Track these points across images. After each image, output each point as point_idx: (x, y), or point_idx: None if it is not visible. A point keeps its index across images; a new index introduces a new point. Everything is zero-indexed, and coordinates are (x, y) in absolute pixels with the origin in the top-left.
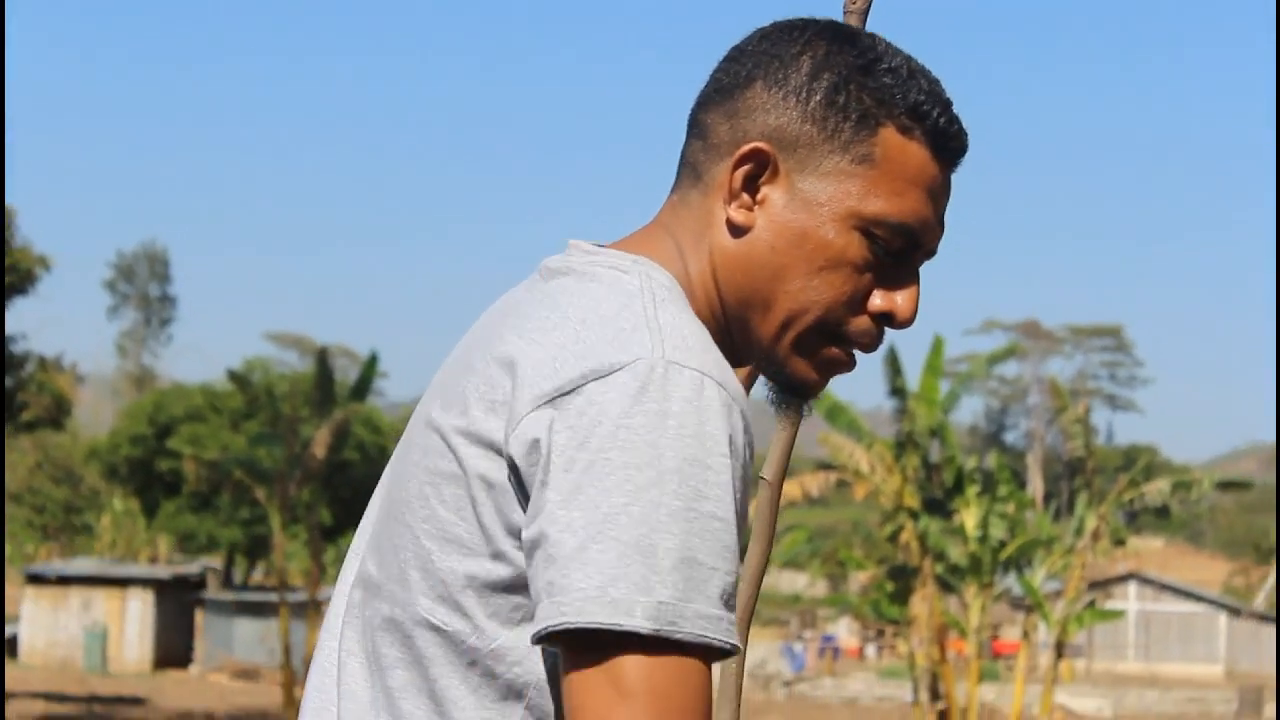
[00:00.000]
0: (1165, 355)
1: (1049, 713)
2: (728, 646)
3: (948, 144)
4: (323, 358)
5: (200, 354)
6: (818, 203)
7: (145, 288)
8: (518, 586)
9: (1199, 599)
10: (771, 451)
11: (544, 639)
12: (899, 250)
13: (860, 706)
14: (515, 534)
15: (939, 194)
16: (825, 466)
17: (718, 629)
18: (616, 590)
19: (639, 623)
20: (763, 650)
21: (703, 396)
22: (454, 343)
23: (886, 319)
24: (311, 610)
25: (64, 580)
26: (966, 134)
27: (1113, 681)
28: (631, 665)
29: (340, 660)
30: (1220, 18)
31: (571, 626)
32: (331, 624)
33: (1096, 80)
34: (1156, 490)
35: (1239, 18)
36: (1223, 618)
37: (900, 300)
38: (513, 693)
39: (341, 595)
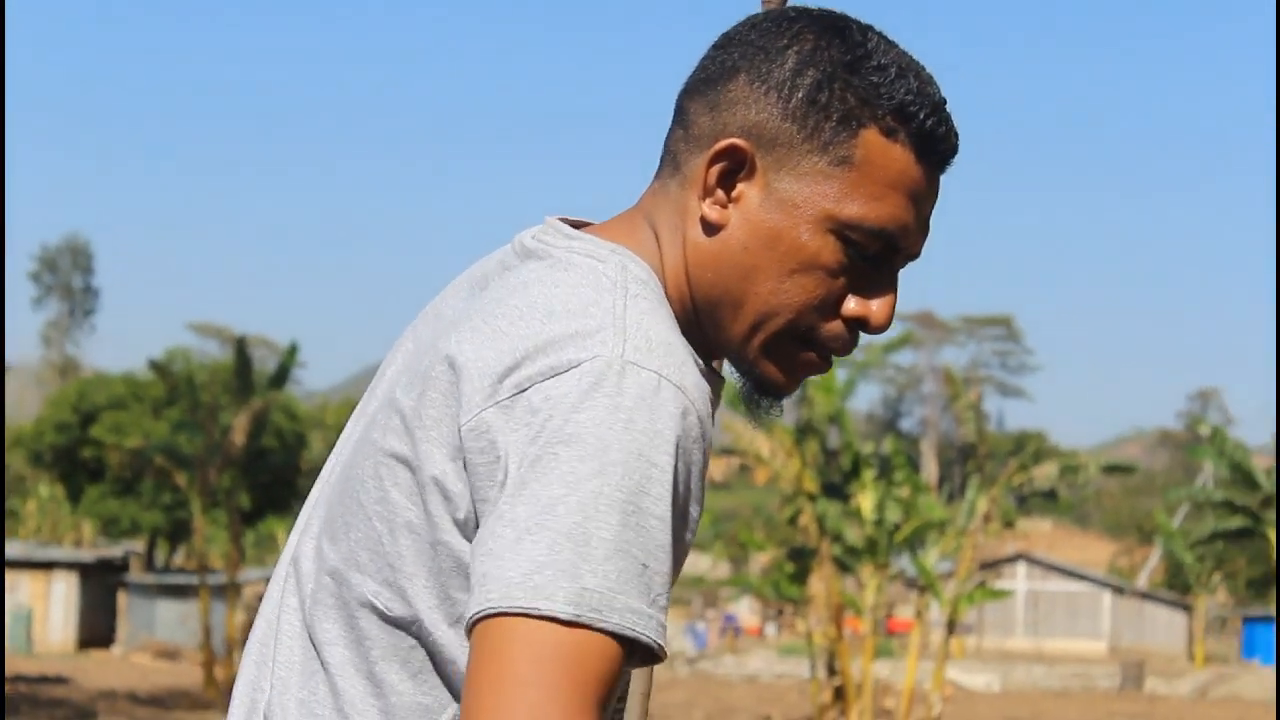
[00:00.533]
0: (1054, 344)
1: (940, 688)
2: (654, 645)
3: (934, 147)
4: (241, 347)
5: (123, 344)
6: (793, 204)
7: (69, 279)
8: (460, 581)
9: (1084, 578)
10: None
11: (470, 630)
12: (875, 254)
13: (760, 683)
14: (461, 527)
15: (922, 198)
16: (728, 452)
17: (646, 625)
18: (541, 576)
19: (559, 607)
20: (667, 630)
21: (658, 396)
22: (371, 335)
23: (860, 324)
24: (231, 592)
25: None
26: (956, 136)
27: (1002, 657)
28: (541, 642)
29: (279, 629)
30: (1099, 9)
31: (493, 611)
32: (273, 592)
33: (985, 75)
34: (1045, 475)
35: (1117, 10)
36: (1107, 596)
37: (875, 306)
38: (451, 686)
39: (284, 564)
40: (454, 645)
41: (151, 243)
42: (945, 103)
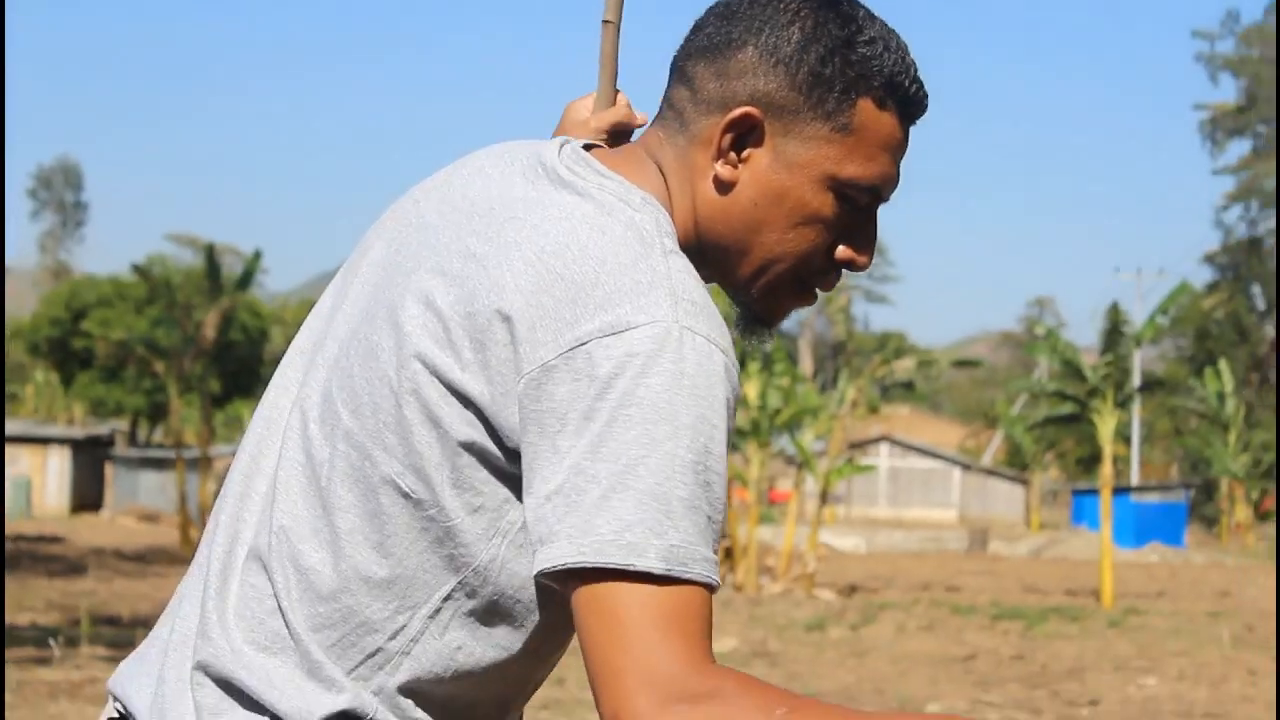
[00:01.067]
0: (913, 258)
1: (815, 549)
2: (718, 587)
3: (914, 111)
4: (211, 254)
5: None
6: (798, 164)
7: (61, 195)
8: (488, 483)
9: (937, 457)
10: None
11: (552, 574)
12: (867, 204)
13: None
14: (494, 441)
15: (901, 153)
16: None
17: (714, 572)
18: (632, 535)
19: (651, 563)
20: None
21: (711, 361)
22: (324, 247)
23: (849, 265)
24: (204, 464)
25: None
26: (928, 96)
27: (867, 524)
28: (646, 599)
29: (277, 480)
30: None
31: (588, 565)
32: (263, 437)
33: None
34: (904, 368)
35: None
36: (956, 472)
37: (861, 249)
38: (453, 566)
39: (278, 411)
40: (469, 531)
41: (134, 163)
42: (917, 66)
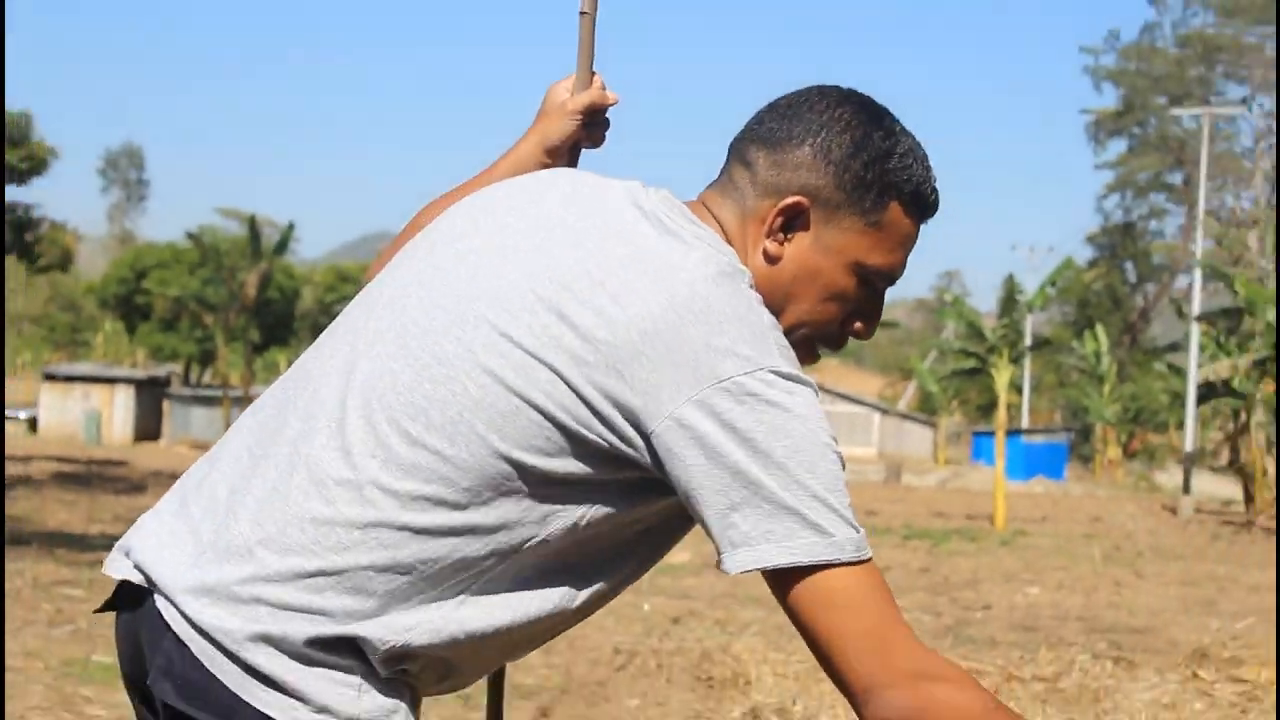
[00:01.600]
0: None
1: None
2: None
3: (930, 213)
4: (253, 225)
5: (167, 221)
6: (834, 250)
7: (126, 174)
8: (567, 493)
9: (861, 403)
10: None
11: (769, 574)
12: (882, 282)
13: None
14: (599, 452)
15: (912, 246)
16: None
17: (867, 545)
18: (831, 535)
19: (850, 554)
20: None
21: (814, 394)
22: (348, 220)
23: (856, 335)
24: (245, 402)
25: (70, 379)
26: (940, 202)
27: None
28: (852, 582)
29: (315, 423)
30: None
31: (806, 564)
32: (321, 390)
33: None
34: None
35: None
36: (876, 416)
37: (869, 323)
38: (505, 551)
39: (339, 366)
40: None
41: (189, 146)
42: (932, 169)
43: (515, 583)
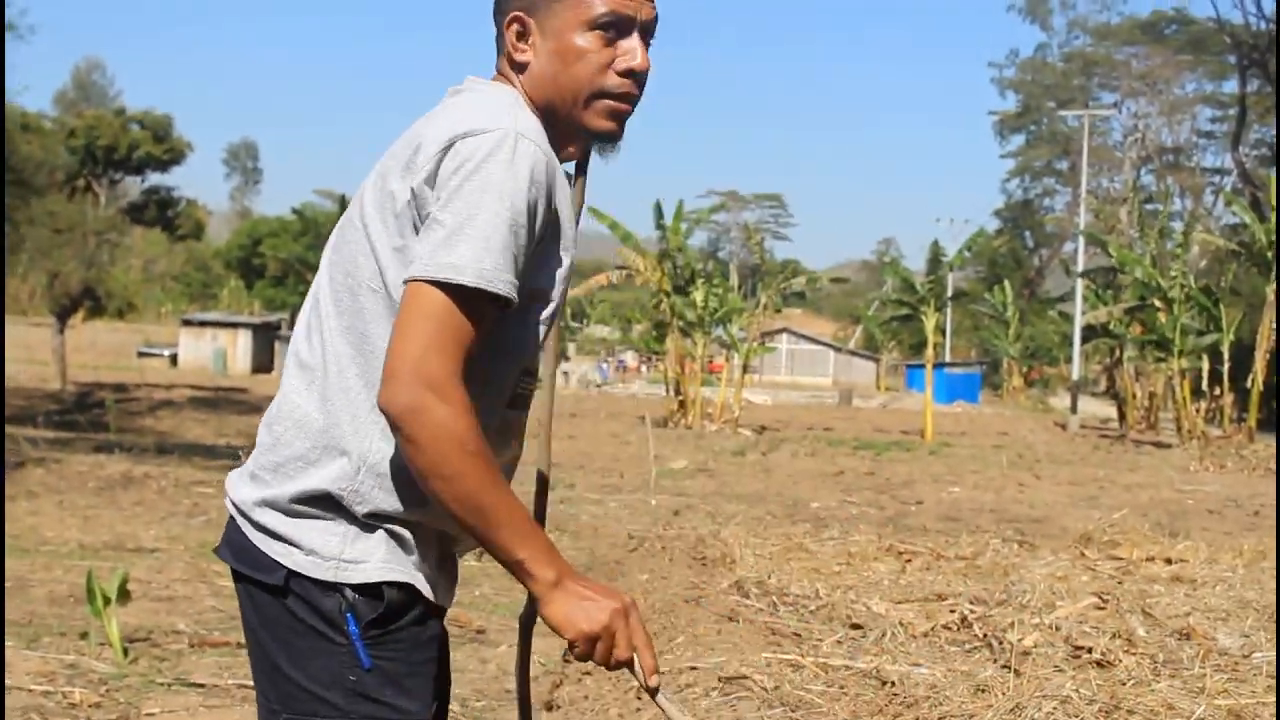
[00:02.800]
0: (804, 211)
1: (738, 402)
2: (496, 292)
3: None
4: (343, 201)
5: (277, 200)
6: (559, 29)
7: (245, 163)
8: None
9: (819, 343)
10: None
11: (406, 285)
12: (619, 28)
13: (638, 399)
14: (415, 232)
15: None
16: (621, 267)
17: (512, 290)
18: (456, 258)
19: (466, 279)
20: (585, 367)
21: (532, 156)
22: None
23: (630, 72)
24: None
25: (203, 324)
26: None
27: (772, 386)
28: (432, 297)
29: (309, 317)
30: None
31: (431, 278)
32: (309, 298)
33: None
34: (797, 283)
35: None
36: (831, 353)
37: (632, 55)
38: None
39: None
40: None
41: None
42: None
43: None
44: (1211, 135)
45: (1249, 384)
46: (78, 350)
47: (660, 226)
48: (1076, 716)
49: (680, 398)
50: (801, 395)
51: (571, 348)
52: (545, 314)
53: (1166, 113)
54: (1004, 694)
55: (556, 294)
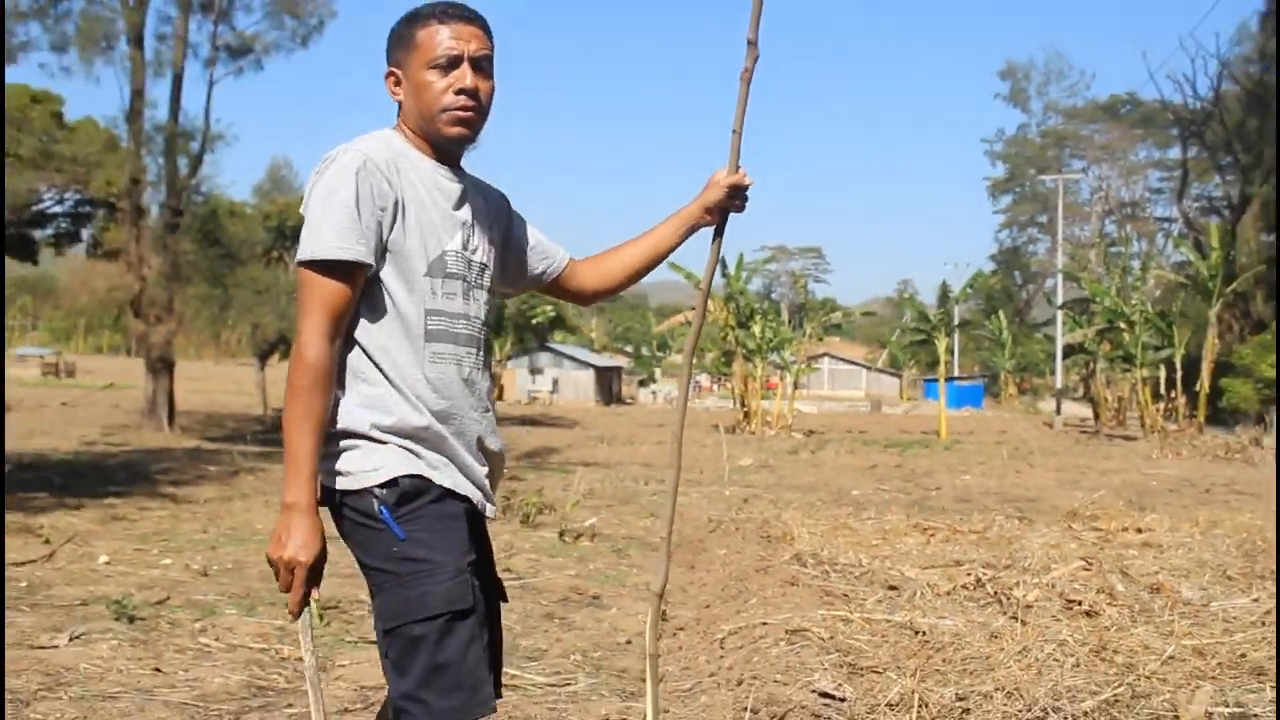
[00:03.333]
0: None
1: (791, 411)
2: (345, 258)
3: (433, 15)
4: None
5: None
6: (411, 71)
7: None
8: None
9: (853, 363)
10: (708, 261)
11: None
12: (450, 64)
13: (711, 411)
14: None
15: (448, 36)
16: (692, 308)
17: (338, 252)
18: (305, 245)
19: (305, 255)
20: (668, 387)
21: (348, 157)
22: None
23: (463, 90)
24: None
25: None
26: (435, 7)
27: (817, 399)
28: (305, 276)
29: None
30: None
31: (301, 259)
32: None
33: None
34: (835, 317)
35: None
36: (864, 372)
37: (461, 78)
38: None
39: None
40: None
41: None
42: (449, 5)
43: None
44: (1160, 191)
45: (1197, 388)
46: (274, 384)
47: (725, 275)
48: (1072, 656)
49: (745, 409)
50: (840, 405)
51: (658, 372)
52: (424, 264)
53: (1124, 175)
54: (1013, 639)
55: (423, 250)
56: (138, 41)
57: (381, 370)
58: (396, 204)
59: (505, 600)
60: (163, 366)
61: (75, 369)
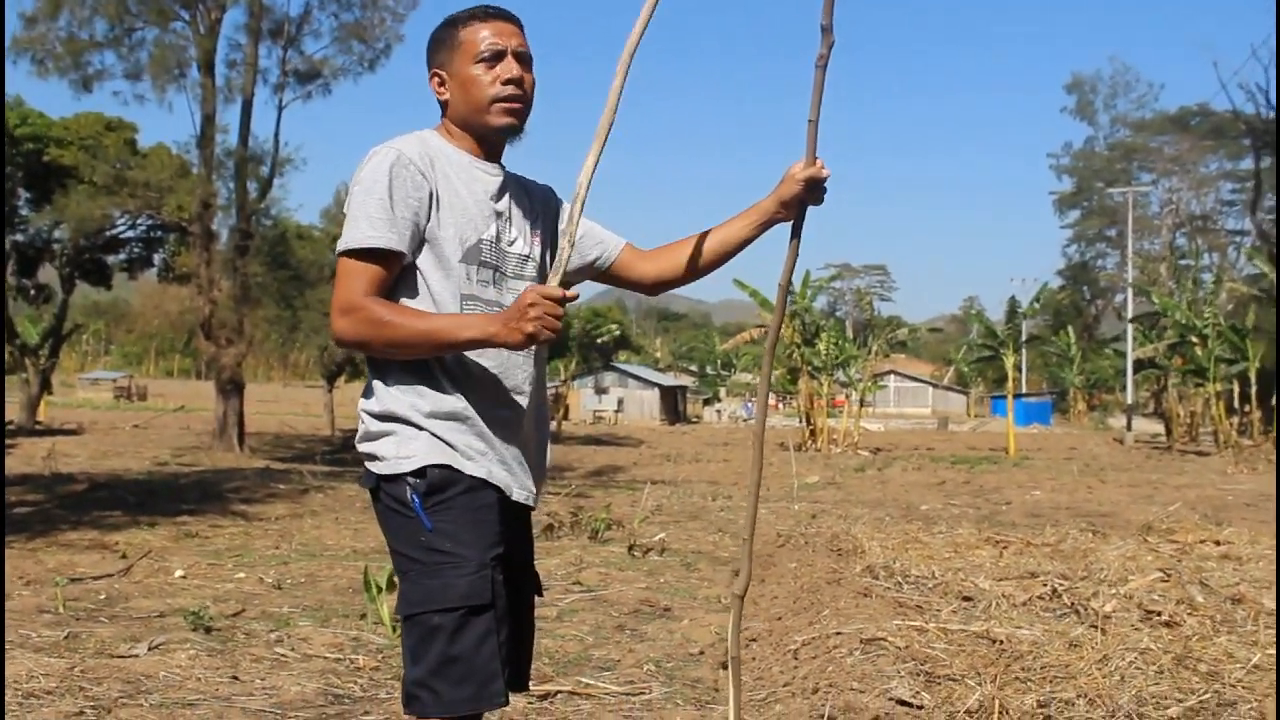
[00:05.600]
0: (907, 275)
1: (858, 429)
2: (374, 246)
3: (476, 15)
4: None
5: None
6: (457, 70)
7: None
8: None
9: (919, 380)
10: (787, 257)
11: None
12: (495, 58)
13: (777, 429)
14: None
15: (490, 34)
16: (760, 326)
17: (371, 240)
18: (343, 239)
19: (342, 246)
20: (733, 405)
21: (383, 154)
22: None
23: (509, 80)
24: None
25: None
26: (492, 6)
27: (884, 416)
28: (342, 264)
29: None
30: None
31: (339, 250)
32: None
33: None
34: (901, 334)
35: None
36: (930, 389)
37: (507, 70)
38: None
39: None
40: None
41: None
42: (489, 5)
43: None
44: (1232, 204)
45: (1273, 402)
46: (342, 405)
47: (791, 292)
48: (1154, 664)
49: (811, 427)
50: (907, 423)
51: (723, 391)
52: (460, 251)
53: (1195, 187)
54: (1093, 648)
55: (458, 239)
56: (209, 68)
57: None
58: (431, 195)
59: (540, 594)
60: (233, 388)
61: (146, 392)
